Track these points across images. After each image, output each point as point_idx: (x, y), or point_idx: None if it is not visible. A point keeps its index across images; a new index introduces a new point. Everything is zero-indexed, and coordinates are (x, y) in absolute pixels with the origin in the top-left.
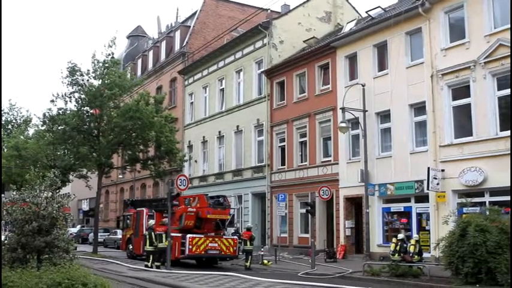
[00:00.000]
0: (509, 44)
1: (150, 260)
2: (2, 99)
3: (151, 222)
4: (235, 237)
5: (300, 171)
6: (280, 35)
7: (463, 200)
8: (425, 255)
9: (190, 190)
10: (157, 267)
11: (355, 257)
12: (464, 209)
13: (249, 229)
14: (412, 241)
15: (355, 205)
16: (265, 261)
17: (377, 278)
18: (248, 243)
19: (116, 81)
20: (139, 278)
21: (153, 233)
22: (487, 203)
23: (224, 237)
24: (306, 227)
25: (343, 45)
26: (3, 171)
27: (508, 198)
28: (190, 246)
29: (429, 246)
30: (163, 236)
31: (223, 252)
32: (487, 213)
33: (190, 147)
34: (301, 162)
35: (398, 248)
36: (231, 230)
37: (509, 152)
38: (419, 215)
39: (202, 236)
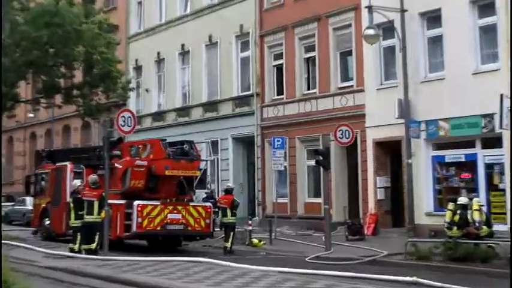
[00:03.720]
0: None
1: (78, 241)
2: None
3: (77, 182)
4: (209, 204)
5: (306, 104)
6: None
7: None
8: (498, 227)
9: (138, 134)
10: (90, 251)
11: (393, 233)
12: None
13: (229, 191)
14: (475, 205)
15: (391, 153)
16: (255, 241)
17: (426, 263)
18: (228, 212)
19: None
20: (61, 269)
21: (81, 199)
22: None
23: (192, 204)
24: (317, 188)
25: None
26: None
27: None
28: (140, 219)
29: (505, 214)
30: (95, 203)
31: (190, 228)
32: None
33: (138, 69)
34: (308, 89)
35: (457, 218)
36: (202, 193)
37: None
38: (489, 166)
39: (158, 203)
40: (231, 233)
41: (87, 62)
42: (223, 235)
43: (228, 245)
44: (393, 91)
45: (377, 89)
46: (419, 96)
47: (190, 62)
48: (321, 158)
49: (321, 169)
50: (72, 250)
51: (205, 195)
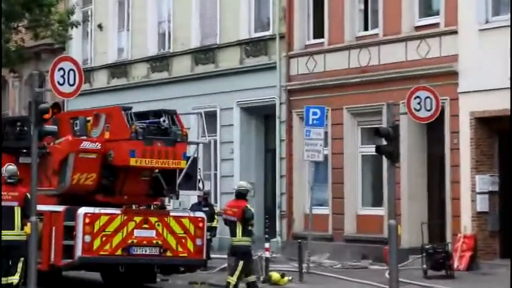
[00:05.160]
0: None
1: None
2: None
3: None
4: (201, 214)
5: (361, 53)
6: None
7: None
8: None
9: (86, 98)
10: None
11: (501, 266)
12: None
13: (241, 195)
14: None
15: (501, 137)
16: (276, 275)
17: None
18: (238, 229)
19: None
20: None
21: None
22: None
23: (173, 214)
24: (377, 192)
25: None
26: None
27: None
28: (89, 238)
29: None
30: (16, 211)
31: (170, 253)
32: None
33: None
34: (365, 29)
35: None
36: (193, 196)
37: None
38: None
39: (119, 211)
40: (241, 263)
41: None
42: (227, 265)
43: (233, 280)
44: (506, 33)
45: (479, 30)
46: None
47: None
48: (385, 142)
49: (385, 160)
50: None
51: (197, 201)
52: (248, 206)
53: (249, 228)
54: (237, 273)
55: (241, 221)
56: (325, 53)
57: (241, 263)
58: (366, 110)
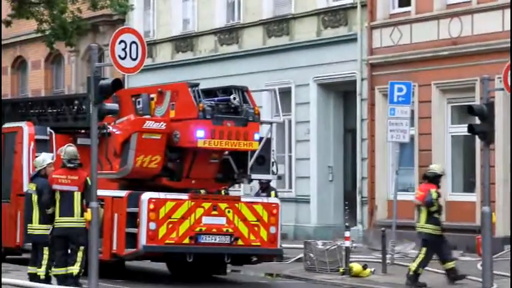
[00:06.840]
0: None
1: (44, 262)
2: None
3: (44, 158)
4: (275, 200)
5: (451, 23)
6: None
7: None
8: None
9: (149, 73)
10: (68, 279)
11: None
12: None
13: (426, 177)
14: None
15: None
16: (357, 267)
17: None
18: (422, 214)
19: None
20: None
21: (47, 189)
22: None
23: (244, 200)
24: (468, 176)
25: None
26: None
27: None
28: (154, 226)
29: None
30: (76, 196)
31: (242, 242)
32: None
33: None
34: None
35: None
36: (263, 180)
37: None
38: None
39: (186, 197)
40: (423, 250)
41: None
42: (302, 254)
43: (413, 266)
44: None
45: None
46: None
47: None
48: (479, 121)
49: (478, 141)
50: (33, 277)
51: (261, 187)
52: (432, 190)
53: (435, 215)
54: (417, 260)
55: (425, 206)
56: (412, 23)
57: (423, 249)
58: (457, 85)
